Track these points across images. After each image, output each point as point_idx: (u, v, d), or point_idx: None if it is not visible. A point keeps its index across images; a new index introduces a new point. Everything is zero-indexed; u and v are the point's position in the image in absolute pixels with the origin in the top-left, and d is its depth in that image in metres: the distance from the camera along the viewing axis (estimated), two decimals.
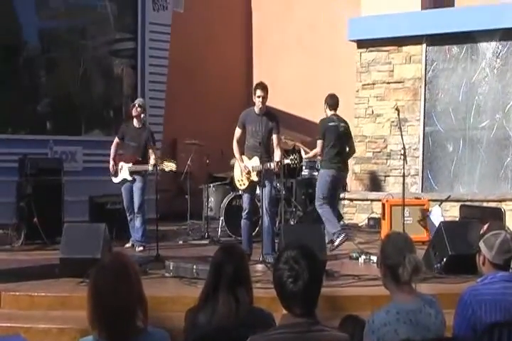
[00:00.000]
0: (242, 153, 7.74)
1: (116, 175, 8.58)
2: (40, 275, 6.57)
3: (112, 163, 8.57)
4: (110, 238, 7.15)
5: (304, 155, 9.32)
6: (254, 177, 7.57)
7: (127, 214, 8.59)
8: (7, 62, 10.33)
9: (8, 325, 5.47)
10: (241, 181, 7.75)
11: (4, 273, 6.67)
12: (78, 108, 11.19)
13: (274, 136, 7.65)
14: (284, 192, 9.63)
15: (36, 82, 10.91)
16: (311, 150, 9.27)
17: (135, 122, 8.61)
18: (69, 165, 10.20)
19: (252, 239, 7.86)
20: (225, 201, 9.58)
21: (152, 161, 8.22)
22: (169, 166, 8.14)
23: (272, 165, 7.45)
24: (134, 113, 8.54)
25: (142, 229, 8.49)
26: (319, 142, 8.62)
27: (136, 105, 8.56)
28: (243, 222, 7.74)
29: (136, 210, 8.45)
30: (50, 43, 11.03)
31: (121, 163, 8.55)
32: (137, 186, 8.48)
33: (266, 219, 7.47)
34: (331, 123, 8.65)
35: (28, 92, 10.71)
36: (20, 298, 5.94)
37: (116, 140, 8.73)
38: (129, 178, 8.48)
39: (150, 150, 8.50)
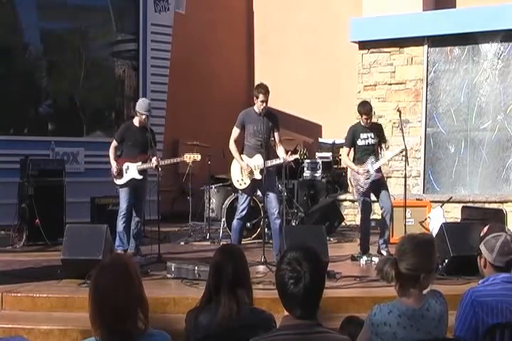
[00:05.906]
0: (240, 153, 7.71)
1: (121, 175, 7.94)
2: (42, 276, 6.58)
3: (114, 164, 7.96)
4: (112, 239, 7.14)
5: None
6: (258, 176, 7.47)
7: (124, 218, 7.82)
8: (9, 63, 10.36)
9: (10, 326, 5.47)
10: (241, 181, 7.61)
11: (6, 274, 6.67)
12: (80, 109, 11.21)
13: (276, 134, 7.64)
14: (285, 193, 9.65)
15: (38, 83, 10.93)
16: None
17: (136, 122, 8.00)
18: (71, 167, 10.21)
19: (241, 239, 7.77)
20: (227, 202, 9.57)
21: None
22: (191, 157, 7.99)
23: (277, 161, 7.46)
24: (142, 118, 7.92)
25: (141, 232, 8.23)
26: None
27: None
28: (237, 221, 7.54)
29: (139, 213, 8.00)
30: (51, 45, 11.05)
31: (127, 164, 7.95)
32: (144, 189, 8.03)
33: (277, 222, 7.39)
34: None
35: (30, 93, 10.74)
36: (22, 299, 5.94)
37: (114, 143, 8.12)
38: (139, 177, 7.91)
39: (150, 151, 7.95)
